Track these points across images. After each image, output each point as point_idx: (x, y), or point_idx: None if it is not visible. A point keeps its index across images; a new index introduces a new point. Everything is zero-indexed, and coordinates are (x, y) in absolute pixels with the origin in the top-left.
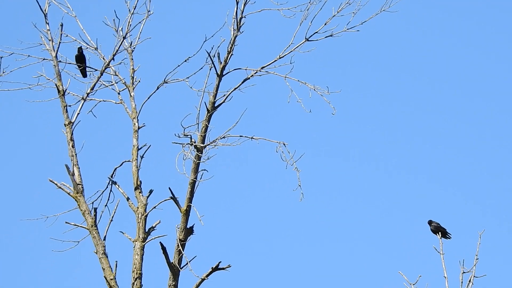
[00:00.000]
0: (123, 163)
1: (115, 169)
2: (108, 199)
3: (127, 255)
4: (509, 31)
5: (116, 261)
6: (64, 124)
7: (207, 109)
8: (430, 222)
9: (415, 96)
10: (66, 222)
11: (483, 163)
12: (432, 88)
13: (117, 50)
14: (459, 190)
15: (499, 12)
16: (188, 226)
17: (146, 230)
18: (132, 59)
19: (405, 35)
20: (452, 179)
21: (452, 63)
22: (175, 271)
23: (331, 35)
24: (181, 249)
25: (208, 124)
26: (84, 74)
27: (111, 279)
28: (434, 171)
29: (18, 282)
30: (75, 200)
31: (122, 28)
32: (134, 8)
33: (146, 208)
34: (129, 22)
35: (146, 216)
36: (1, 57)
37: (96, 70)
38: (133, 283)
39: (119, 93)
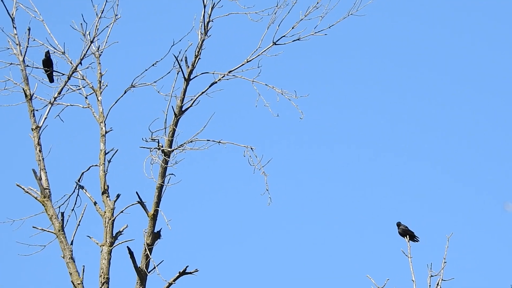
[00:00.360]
0: (90, 167)
1: (82, 173)
2: (75, 204)
3: (95, 259)
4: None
5: (84, 266)
6: (32, 129)
7: (175, 113)
8: (398, 225)
9: (383, 100)
10: (33, 227)
11: (451, 167)
12: (401, 91)
13: (84, 54)
14: (426, 193)
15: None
16: (155, 231)
17: (114, 235)
18: (100, 63)
19: (373, 39)
20: (419, 183)
21: (421, 63)
22: (142, 276)
23: (298, 39)
24: (148, 253)
25: (176, 128)
26: (51, 79)
27: (78, 284)
28: (401, 175)
29: None
30: (42, 204)
31: (89, 32)
32: (102, 12)
33: (113, 212)
34: (96, 26)
35: (114, 220)
36: None
37: (63, 74)
38: None
39: (86, 98)
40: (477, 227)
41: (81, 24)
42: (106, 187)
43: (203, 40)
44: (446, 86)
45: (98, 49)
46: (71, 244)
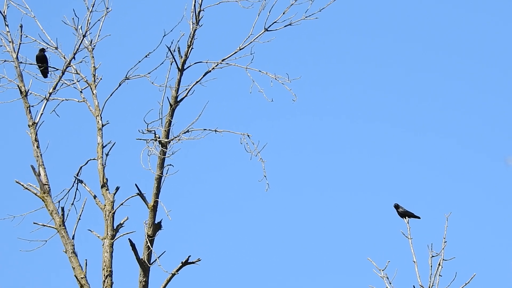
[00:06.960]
0: (88, 161)
1: (81, 167)
2: (75, 198)
3: (97, 253)
4: None
5: (86, 260)
6: (28, 125)
7: (170, 104)
8: (396, 206)
9: (376, 82)
10: (34, 223)
11: (448, 144)
12: (393, 72)
13: (77, 49)
14: (424, 172)
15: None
16: (156, 222)
17: (114, 227)
18: (93, 57)
19: (363, 21)
20: (416, 162)
21: (412, 47)
22: (145, 267)
23: (290, 24)
24: (149, 245)
25: (172, 118)
26: (45, 75)
27: (82, 278)
28: (398, 154)
29: None
30: (42, 200)
31: (81, 27)
32: (93, 6)
33: (113, 205)
34: (88, 20)
35: (114, 213)
36: None
37: (57, 69)
38: (104, 281)
39: (81, 92)
40: (476, 205)
41: (73, 18)
42: (105, 180)
43: (195, 29)
44: (426, 55)
45: (90, 43)
46: (73, 238)
